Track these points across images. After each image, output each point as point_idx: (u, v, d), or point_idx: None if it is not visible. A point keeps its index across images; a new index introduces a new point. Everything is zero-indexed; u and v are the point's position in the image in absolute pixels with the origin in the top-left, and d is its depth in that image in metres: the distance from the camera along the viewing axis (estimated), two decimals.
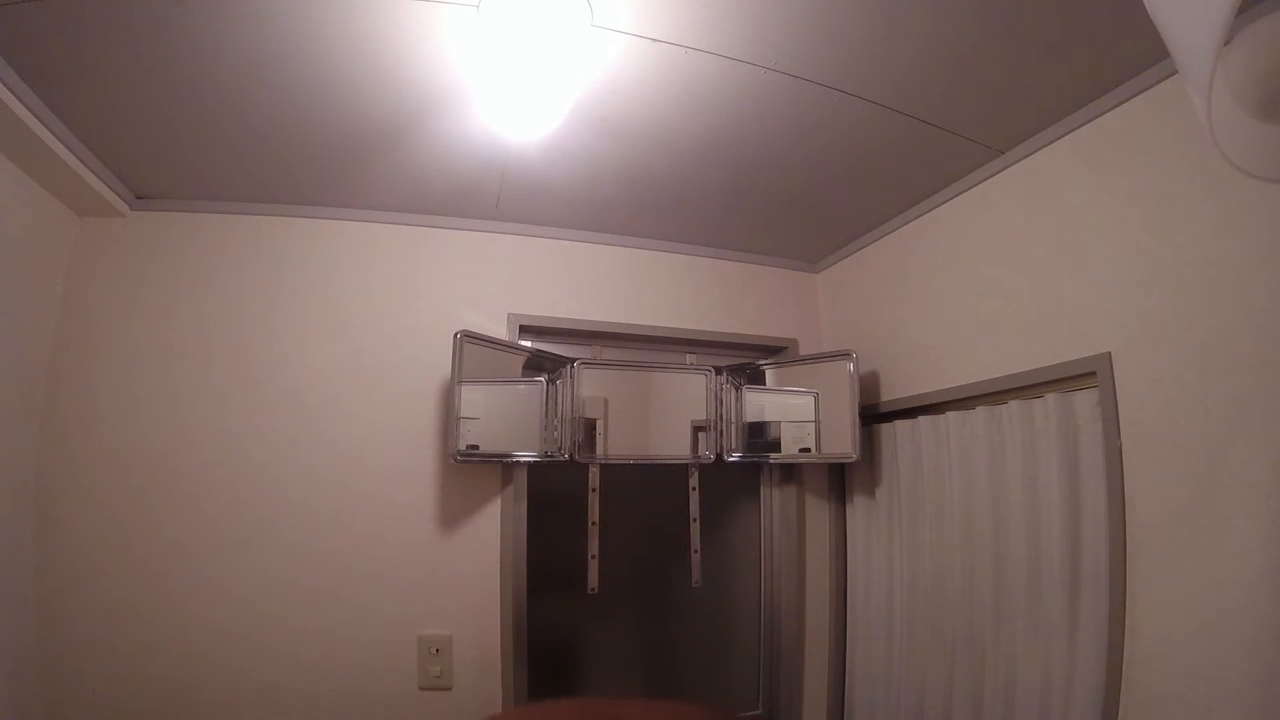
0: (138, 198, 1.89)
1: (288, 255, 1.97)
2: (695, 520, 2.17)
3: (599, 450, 2.06)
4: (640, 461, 2.13)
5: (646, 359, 2.26)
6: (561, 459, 2.00)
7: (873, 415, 2.14)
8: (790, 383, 2.24)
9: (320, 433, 1.89)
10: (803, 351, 2.39)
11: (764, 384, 2.25)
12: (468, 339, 1.84)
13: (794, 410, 2.19)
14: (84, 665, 1.66)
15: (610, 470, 2.10)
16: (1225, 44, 0.78)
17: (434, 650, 1.86)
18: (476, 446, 1.85)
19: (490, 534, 1.97)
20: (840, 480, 2.31)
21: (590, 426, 2.05)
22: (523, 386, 2.01)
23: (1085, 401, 1.47)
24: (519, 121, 1.54)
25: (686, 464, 2.18)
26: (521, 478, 2.03)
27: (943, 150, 1.69)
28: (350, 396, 1.93)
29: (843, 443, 2.05)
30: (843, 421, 2.05)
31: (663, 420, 2.18)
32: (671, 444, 2.17)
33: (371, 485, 1.90)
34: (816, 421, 2.14)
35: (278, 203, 1.97)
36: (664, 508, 2.24)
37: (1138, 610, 1.30)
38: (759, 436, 2.21)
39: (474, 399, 1.84)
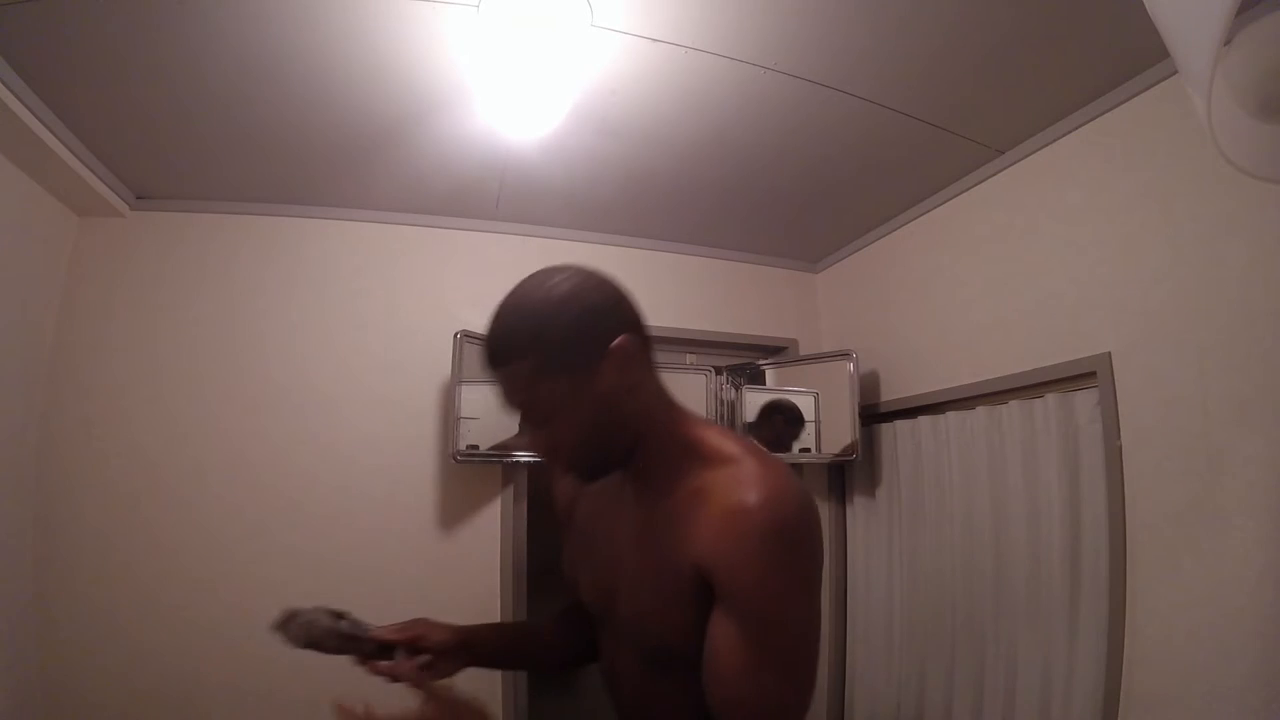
0: (138, 198, 1.89)
1: (287, 255, 1.97)
2: None
3: None
4: None
5: None
6: None
7: (873, 415, 2.14)
8: (790, 383, 2.24)
9: (320, 432, 1.89)
10: (803, 351, 2.39)
11: (764, 384, 2.25)
12: (468, 339, 1.84)
13: None
14: (83, 665, 1.66)
15: None
16: (1225, 44, 0.77)
17: None
18: (476, 446, 1.85)
19: (490, 534, 1.97)
20: (840, 480, 2.31)
21: None
22: None
23: (1085, 401, 1.47)
24: (519, 121, 1.54)
25: None
26: (521, 478, 2.03)
27: (943, 150, 1.69)
28: (350, 396, 1.93)
29: (843, 443, 2.05)
30: (843, 421, 2.05)
31: None
32: None
33: (372, 485, 1.90)
34: (816, 421, 2.14)
35: (277, 203, 1.97)
36: None
37: (1138, 610, 1.30)
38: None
39: (474, 399, 1.84)
